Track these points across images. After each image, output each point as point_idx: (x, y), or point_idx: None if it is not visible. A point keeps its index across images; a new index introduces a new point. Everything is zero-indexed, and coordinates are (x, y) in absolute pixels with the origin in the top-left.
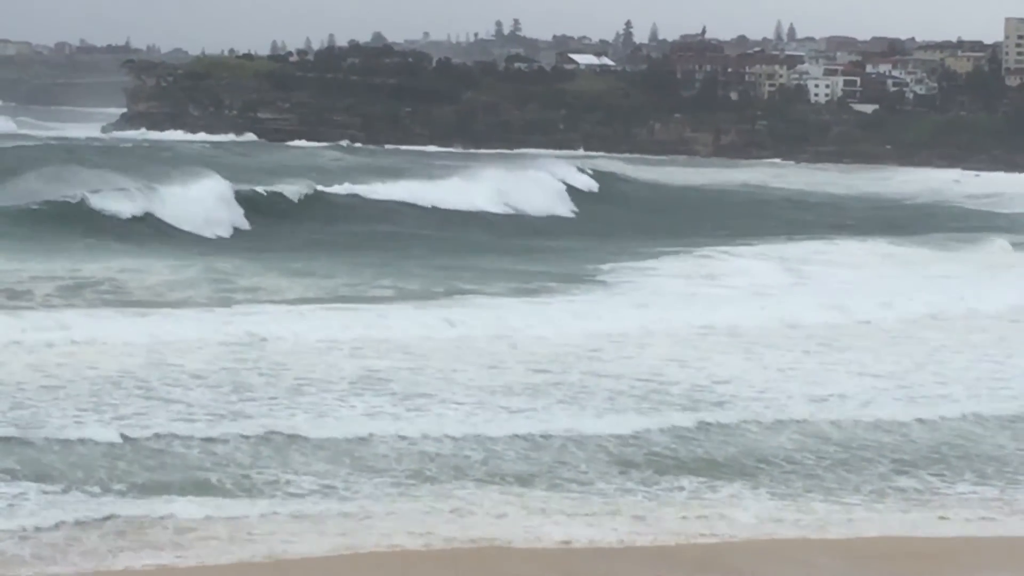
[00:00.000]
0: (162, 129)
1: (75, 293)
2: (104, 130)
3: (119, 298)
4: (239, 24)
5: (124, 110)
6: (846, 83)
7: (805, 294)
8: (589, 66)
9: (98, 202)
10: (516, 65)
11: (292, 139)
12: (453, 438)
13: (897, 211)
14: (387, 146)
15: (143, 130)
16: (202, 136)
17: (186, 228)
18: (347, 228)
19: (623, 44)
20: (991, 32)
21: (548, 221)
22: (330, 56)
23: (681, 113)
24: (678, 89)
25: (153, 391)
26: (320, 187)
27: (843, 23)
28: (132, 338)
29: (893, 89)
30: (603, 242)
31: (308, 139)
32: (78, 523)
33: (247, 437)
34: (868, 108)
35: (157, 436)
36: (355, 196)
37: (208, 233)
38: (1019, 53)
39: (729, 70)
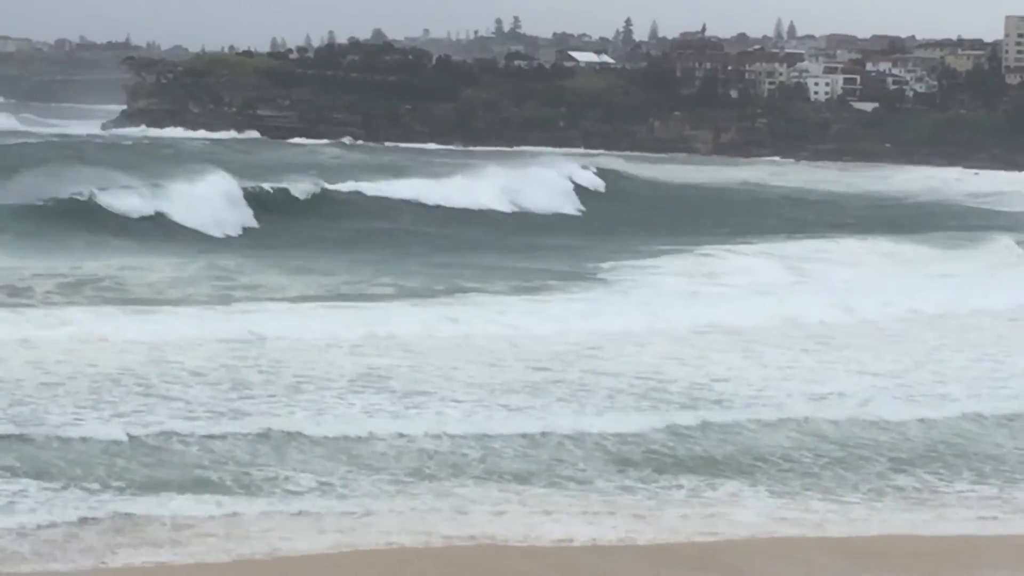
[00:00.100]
0: (162, 126)
1: (76, 290)
2: (104, 127)
3: (120, 295)
4: (239, 21)
5: (124, 107)
6: (846, 81)
7: (806, 293)
8: (589, 64)
9: (107, 200)
10: (516, 63)
11: (292, 136)
12: (452, 436)
13: (897, 209)
14: (387, 143)
15: (143, 127)
16: (203, 133)
17: (195, 226)
18: (353, 226)
19: (623, 42)
20: (991, 30)
21: (554, 219)
22: (330, 53)
23: (681, 111)
24: (678, 87)
25: (153, 388)
26: (327, 185)
27: (843, 21)
28: (132, 335)
29: (893, 87)
30: (608, 240)
31: (308, 136)
32: (77, 520)
33: (246, 435)
34: (868, 106)
35: (156, 433)
36: (362, 194)
37: (217, 232)
38: (1019, 51)
39: (729, 68)
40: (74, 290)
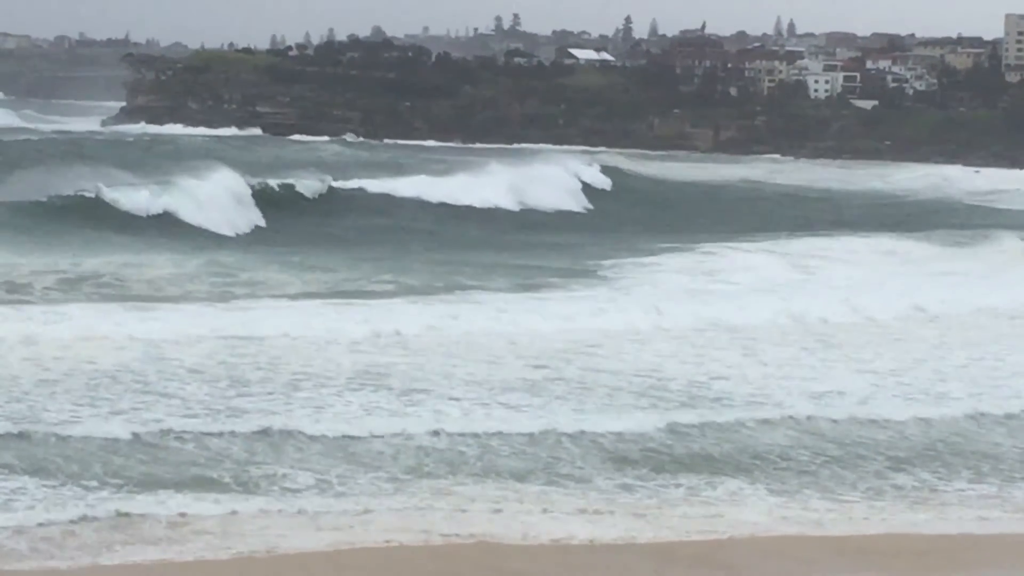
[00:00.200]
0: (161, 123)
1: (76, 286)
2: (104, 124)
3: (120, 292)
4: (239, 18)
5: (123, 104)
6: (846, 79)
7: (808, 291)
8: (588, 61)
9: (114, 197)
10: (515, 60)
11: (291, 133)
12: (451, 434)
13: (898, 207)
14: (386, 140)
15: (142, 124)
16: (202, 131)
17: (203, 224)
18: (359, 223)
19: (623, 39)
20: (991, 28)
21: (562, 217)
22: (329, 50)
23: (680, 109)
24: (677, 84)
25: (151, 386)
26: (334, 183)
27: (843, 19)
28: (131, 332)
29: (893, 85)
30: (614, 238)
31: (307, 133)
32: (75, 518)
33: (244, 432)
34: (868, 104)
35: (154, 431)
36: (370, 192)
37: (226, 230)
38: (1019, 49)
39: (729, 66)
40: (73, 286)
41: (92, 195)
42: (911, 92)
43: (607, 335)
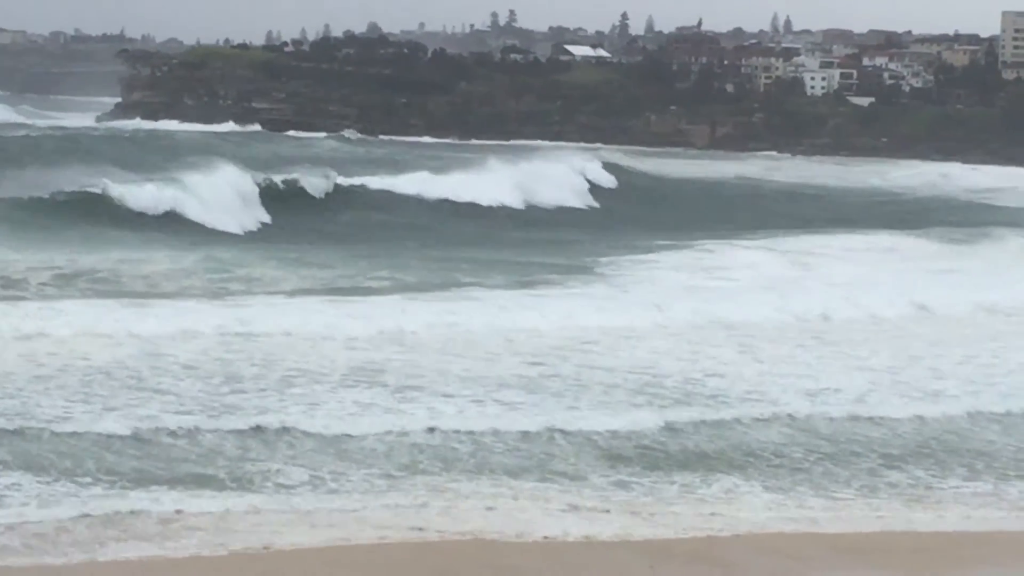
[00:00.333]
0: (156, 119)
1: (70, 282)
2: (99, 119)
3: (116, 288)
4: (234, 14)
5: (119, 100)
6: (842, 76)
7: (807, 288)
8: (585, 58)
9: (120, 194)
10: (512, 56)
11: (287, 129)
12: (445, 431)
13: (896, 205)
14: (381, 136)
15: (137, 120)
16: (199, 127)
17: (209, 222)
18: (363, 220)
19: (619, 36)
20: (988, 26)
21: (568, 215)
22: (325, 46)
23: (677, 105)
24: (674, 81)
25: (145, 382)
26: (339, 180)
27: (839, 16)
28: (126, 328)
29: (889, 82)
30: (619, 235)
31: (303, 130)
32: (69, 514)
33: (238, 429)
34: (864, 101)
35: (148, 427)
36: (370, 189)
37: (233, 227)
38: (1016, 47)
39: (725, 62)
40: (69, 282)
41: (99, 191)
42: (908, 89)
43: (604, 332)
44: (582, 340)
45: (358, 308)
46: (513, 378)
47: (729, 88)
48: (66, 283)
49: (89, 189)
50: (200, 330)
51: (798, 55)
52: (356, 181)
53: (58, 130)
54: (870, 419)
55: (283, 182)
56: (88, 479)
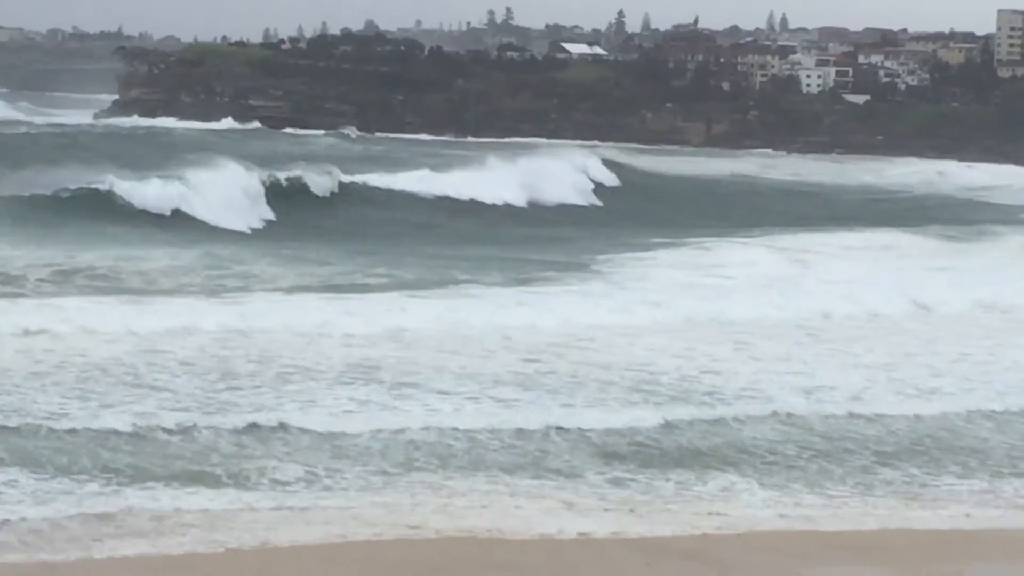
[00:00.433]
0: (154, 116)
1: (69, 278)
2: (96, 117)
3: (114, 285)
4: (231, 11)
5: (116, 97)
6: (838, 74)
7: (804, 285)
8: (581, 55)
9: (126, 191)
10: (508, 54)
11: (284, 127)
12: (441, 428)
13: (892, 202)
14: (378, 134)
15: (135, 117)
16: (196, 124)
17: (215, 220)
18: (367, 218)
19: (615, 34)
20: (983, 24)
21: (565, 212)
22: (322, 44)
23: (673, 103)
24: (670, 79)
25: (141, 378)
26: (343, 177)
27: (835, 14)
28: (123, 325)
29: (885, 80)
30: (610, 233)
31: (300, 127)
32: (65, 510)
33: (234, 426)
34: (860, 99)
35: (144, 424)
36: (372, 187)
37: (239, 224)
38: (1011, 45)
39: (721, 60)
40: (66, 279)
41: (106, 188)
42: (903, 87)
43: (600, 329)
44: (579, 337)
45: (355, 305)
46: (509, 375)
47: (725, 86)
48: (64, 280)
49: (95, 186)
50: (197, 327)
51: (794, 53)
52: (358, 179)
53: (57, 127)
54: (866, 416)
55: (287, 180)
56: (84, 476)
